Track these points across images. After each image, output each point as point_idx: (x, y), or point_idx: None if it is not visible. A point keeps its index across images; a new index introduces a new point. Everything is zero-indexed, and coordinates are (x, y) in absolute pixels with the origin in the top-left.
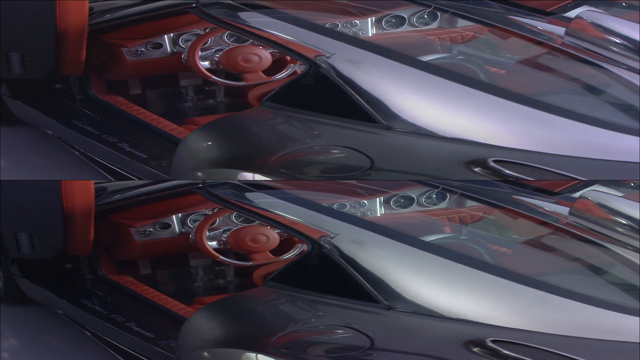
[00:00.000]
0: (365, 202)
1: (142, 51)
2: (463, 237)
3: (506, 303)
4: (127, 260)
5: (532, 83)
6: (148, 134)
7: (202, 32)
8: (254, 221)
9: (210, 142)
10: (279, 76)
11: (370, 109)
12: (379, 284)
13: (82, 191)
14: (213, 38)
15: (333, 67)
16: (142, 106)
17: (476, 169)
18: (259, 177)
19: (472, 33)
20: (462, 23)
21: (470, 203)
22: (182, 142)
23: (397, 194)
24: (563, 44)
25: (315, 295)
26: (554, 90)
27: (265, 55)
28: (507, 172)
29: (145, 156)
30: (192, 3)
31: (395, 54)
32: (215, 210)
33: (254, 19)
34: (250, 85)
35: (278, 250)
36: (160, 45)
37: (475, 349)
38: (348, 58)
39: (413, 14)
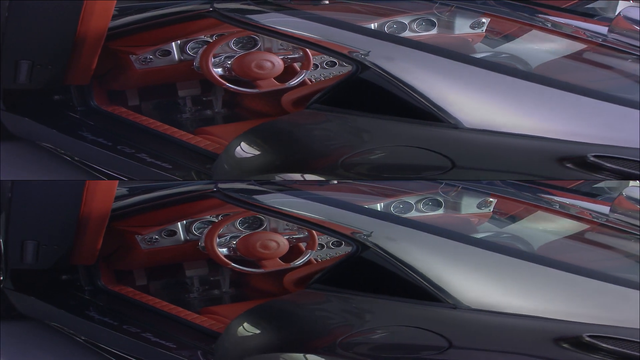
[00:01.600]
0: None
1: (151, 59)
2: (505, 235)
3: (585, 298)
4: (129, 269)
5: (590, 78)
6: (165, 143)
7: (208, 39)
8: (260, 227)
9: (257, 148)
10: (292, 82)
11: (436, 108)
12: (436, 282)
13: (104, 193)
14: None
15: (383, 67)
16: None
17: (569, 165)
18: (314, 178)
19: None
20: (460, 28)
21: (466, 209)
22: (225, 151)
23: (396, 200)
24: (606, 40)
25: (366, 295)
26: (613, 85)
27: (278, 62)
28: (610, 166)
29: (170, 166)
30: (209, 7)
31: (445, 51)
32: (222, 216)
33: (282, 19)
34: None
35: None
36: (168, 53)
37: (566, 345)
38: (397, 57)
39: (413, 20)
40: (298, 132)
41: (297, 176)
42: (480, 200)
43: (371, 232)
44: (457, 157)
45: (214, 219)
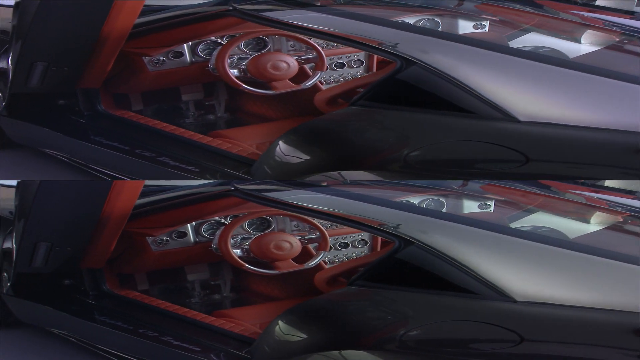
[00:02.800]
0: None
1: (163, 61)
2: (544, 229)
3: None
4: (136, 273)
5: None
6: (185, 147)
7: (220, 40)
8: (268, 228)
9: (302, 149)
10: (308, 83)
11: (492, 103)
12: (488, 277)
13: (128, 193)
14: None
15: (430, 63)
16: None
17: None
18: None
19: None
20: (463, 29)
21: (467, 208)
22: (265, 154)
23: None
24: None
25: (415, 291)
26: None
27: (293, 63)
28: None
29: (197, 169)
30: (229, 6)
31: (490, 44)
32: (232, 218)
33: (307, 16)
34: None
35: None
36: (180, 55)
37: None
38: (441, 52)
39: (417, 21)
40: (348, 130)
41: (353, 174)
42: (479, 202)
43: (398, 225)
44: (530, 151)
45: (224, 220)
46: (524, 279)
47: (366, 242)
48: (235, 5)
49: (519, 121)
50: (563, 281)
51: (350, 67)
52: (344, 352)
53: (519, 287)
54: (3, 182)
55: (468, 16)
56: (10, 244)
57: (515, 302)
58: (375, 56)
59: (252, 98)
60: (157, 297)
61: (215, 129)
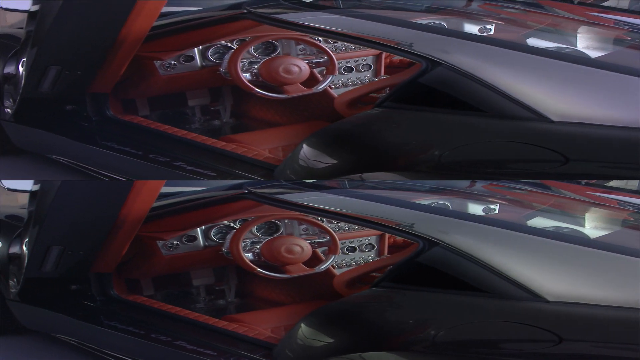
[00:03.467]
0: None
1: (175, 65)
2: (567, 230)
3: None
4: (145, 278)
5: None
6: (200, 151)
7: (229, 44)
8: (276, 232)
9: (328, 152)
10: (319, 87)
11: (528, 103)
12: (516, 277)
13: (147, 194)
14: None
15: (456, 64)
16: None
17: None
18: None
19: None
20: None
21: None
22: (290, 157)
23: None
24: None
25: (442, 292)
26: None
27: (304, 66)
28: None
29: (214, 174)
30: (243, 9)
31: (516, 45)
32: (240, 222)
33: (325, 18)
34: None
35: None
36: (191, 59)
37: None
38: (469, 53)
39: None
40: (376, 132)
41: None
42: (485, 205)
43: (421, 226)
44: (568, 151)
45: (232, 224)
46: (553, 278)
47: (373, 246)
48: (249, 8)
49: (552, 121)
50: (594, 280)
51: (359, 71)
52: (369, 354)
53: (549, 287)
54: (8, 184)
55: (475, 18)
56: (17, 249)
57: (548, 302)
58: (384, 60)
59: (257, 103)
60: (162, 302)
61: (221, 134)
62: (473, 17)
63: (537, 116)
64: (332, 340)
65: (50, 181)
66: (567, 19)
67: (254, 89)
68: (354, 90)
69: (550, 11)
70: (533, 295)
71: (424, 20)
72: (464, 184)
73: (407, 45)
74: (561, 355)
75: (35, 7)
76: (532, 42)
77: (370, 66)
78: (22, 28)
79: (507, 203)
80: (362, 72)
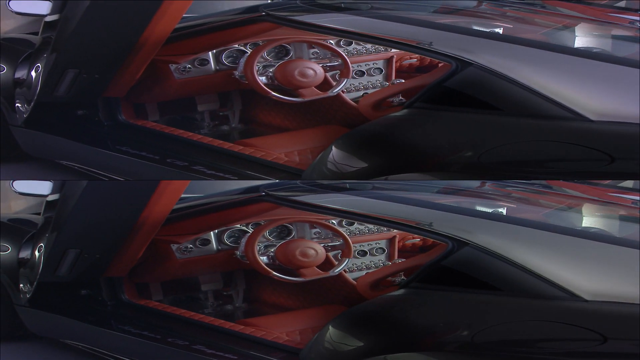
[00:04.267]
0: None
1: (189, 68)
2: (594, 230)
3: None
4: (159, 281)
5: None
6: (217, 155)
7: (243, 47)
8: (288, 236)
9: (360, 154)
10: (335, 90)
11: (564, 102)
12: (555, 277)
13: (171, 194)
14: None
15: (489, 65)
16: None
17: None
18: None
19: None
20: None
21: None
22: (319, 160)
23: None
24: None
25: (475, 292)
26: None
27: (319, 70)
28: None
29: (235, 177)
30: (261, 12)
31: (544, 44)
32: (253, 225)
33: (346, 19)
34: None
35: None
36: (206, 62)
37: None
38: (499, 53)
39: None
40: (408, 133)
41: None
42: (502, 205)
43: (430, 223)
44: (612, 150)
45: (245, 228)
46: (588, 277)
47: (384, 250)
48: (267, 10)
49: (592, 120)
50: (630, 279)
51: (370, 75)
52: (399, 355)
53: (585, 286)
54: (20, 187)
55: (491, 18)
56: (27, 253)
57: (586, 301)
58: (394, 64)
59: (266, 108)
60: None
61: (230, 139)
62: (489, 17)
63: (576, 116)
64: (362, 343)
65: (75, 182)
66: (581, 19)
67: (270, 93)
68: (378, 92)
69: (558, 11)
70: (570, 295)
71: (443, 21)
72: (474, 184)
73: (435, 46)
74: (607, 354)
75: (53, 17)
76: (557, 41)
77: (382, 70)
78: (29, 33)
79: (524, 203)
80: (374, 76)
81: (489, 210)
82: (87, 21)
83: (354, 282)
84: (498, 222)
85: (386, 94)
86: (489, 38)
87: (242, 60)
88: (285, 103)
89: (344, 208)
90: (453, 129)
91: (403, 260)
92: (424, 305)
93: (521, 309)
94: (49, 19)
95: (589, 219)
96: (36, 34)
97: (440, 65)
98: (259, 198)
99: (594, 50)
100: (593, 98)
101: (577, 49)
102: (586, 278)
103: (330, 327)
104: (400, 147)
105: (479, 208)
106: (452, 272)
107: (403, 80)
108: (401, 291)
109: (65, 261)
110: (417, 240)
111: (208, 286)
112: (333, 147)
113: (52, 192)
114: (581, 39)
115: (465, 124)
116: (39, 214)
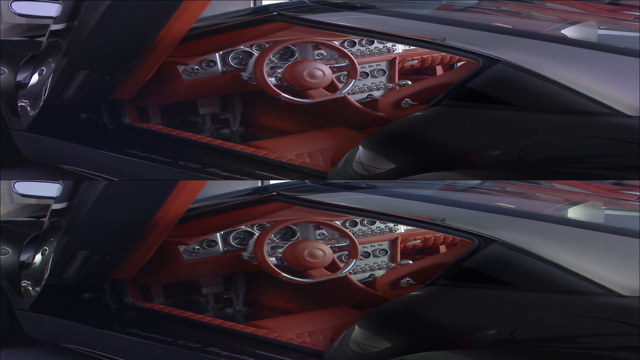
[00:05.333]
0: None
1: (197, 70)
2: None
3: None
4: (164, 283)
5: None
6: (230, 158)
7: (248, 49)
8: (293, 237)
9: (388, 153)
10: (343, 91)
11: (599, 98)
12: (587, 273)
13: (188, 194)
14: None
15: (517, 62)
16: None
17: None
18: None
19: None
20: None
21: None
22: (345, 161)
23: None
24: None
25: (506, 289)
26: None
27: (328, 71)
28: None
29: (252, 179)
30: (273, 12)
31: (570, 40)
32: (257, 226)
33: (363, 17)
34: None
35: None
36: (213, 64)
37: None
38: (526, 50)
39: None
40: (437, 131)
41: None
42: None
43: (444, 219)
44: None
45: (250, 229)
46: (621, 273)
47: (386, 252)
48: (279, 10)
49: (630, 116)
50: None
51: (374, 76)
52: (432, 353)
53: (619, 282)
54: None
55: (501, 14)
56: (28, 256)
57: (623, 297)
58: (397, 65)
59: (266, 111)
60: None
61: (233, 141)
62: (498, 14)
63: (612, 111)
64: (391, 343)
65: (93, 183)
66: (586, 15)
67: (280, 94)
68: (399, 91)
69: (560, 8)
70: (606, 291)
71: (463, 18)
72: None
73: (459, 44)
74: None
75: (59, 26)
76: (576, 36)
77: (385, 71)
78: (27, 36)
79: (528, 198)
80: (377, 77)
81: (506, 206)
82: (105, 22)
83: (359, 284)
84: (519, 218)
85: (407, 92)
86: (512, 35)
87: (251, 62)
88: (288, 105)
89: (360, 206)
90: (487, 126)
91: (423, 258)
92: (454, 303)
93: (559, 306)
94: (55, 27)
95: (607, 214)
96: (33, 37)
97: (462, 63)
98: (270, 198)
99: (619, 45)
100: (627, 93)
101: (601, 44)
102: (619, 273)
103: (356, 327)
104: (430, 145)
105: (492, 204)
106: (481, 269)
107: (408, 82)
108: (427, 289)
109: (74, 263)
110: (417, 241)
111: (209, 289)
112: (360, 148)
113: (61, 195)
114: (598, 34)
115: (499, 121)
116: (37, 217)
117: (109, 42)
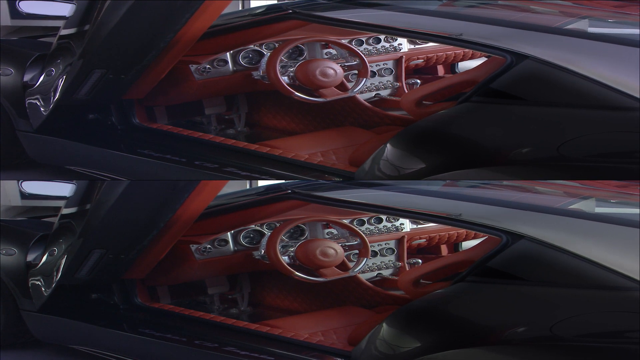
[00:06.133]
0: None
1: (209, 69)
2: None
3: None
4: (174, 283)
5: None
6: (247, 157)
7: (258, 48)
8: (301, 236)
9: (417, 151)
10: (355, 89)
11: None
12: (613, 267)
13: (209, 192)
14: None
15: (546, 58)
16: None
17: None
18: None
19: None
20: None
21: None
22: (372, 160)
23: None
24: None
25: (536, 285)
26: None
27: (339, 69)
28: None
29: (273, 178)
30: (288, 10)
31: (595, 35)
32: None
33: (381, 14)
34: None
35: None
36: (225, 63)
37: None
38: (554, 45)
39: None
40: (468, 128)
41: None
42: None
43: (460, 214)
44: None
45: (259, 228)
46: None
47: (393, 251)
48: (295, 8)
49: None
50: None
51: (381, 75)
52: (466, 350)
53: None
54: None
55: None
56: (34, 257)
57: None
58: (404, 64)
59: (271, 110)
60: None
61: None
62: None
63: None
64: (421, 342)
65: (115, 182)
66: (594, 10)
67: (293, 93)
68: (421, 89)
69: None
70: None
71: (484, 14)
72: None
73: (485, 40)
74: None
75: (70, 31)
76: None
77: (392, 70)
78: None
79: (534, 192)
80: (384, 76)
81: (530, 202)
82: (127, 21)
83: (368, 283)
84: (545, 214)
85: (430, 90)
86: (537, 30)
87: (264, 61)
88: (293, 104)
89: (377, 203)
90: (521, 122)
91: (445, 256)
92: (487, 300)
93: (596, 301)
94: (67, 29)
95: (627, 209)
96: (34, 37)
97: (487, 59)
98: (285, 196)
99: None
100: None
101: (626, 38)
102: None
103: (384, 326)
104: (463, 142)
105: (517, 200)
106: (511, 265)
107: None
108: (457, 286)
109: (88, 263)
110: (422, 240)
111: (215, 289)
112: (388, 147)
113: (75, 195)
114: (618, 29)
115: (534, 117)
116: (38, 217)
117: (129, 40)
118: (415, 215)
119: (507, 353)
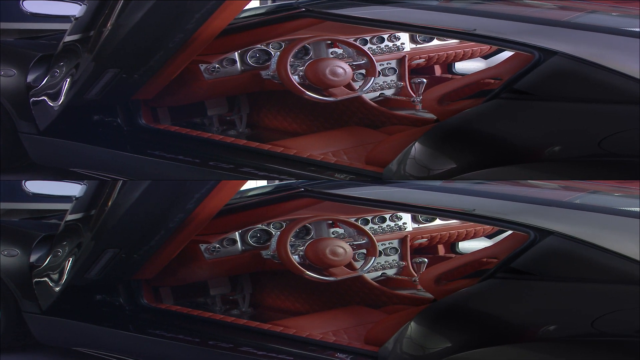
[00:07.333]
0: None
1: (218, 68)
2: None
3: None
4: (182, 284)
5: None
6: (261, 157)
7: (265, 47)
8: (307, 235)
9: (447, 150)
10: (365, 88)
11: None
12: None
13: (227, 191)
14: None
15: (575, 54)
16: None
17: None
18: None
19: None
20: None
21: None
22: (399, 159)
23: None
24: None
25: (568, 281)
26: None
27: (348, 68)
28: None
29: (292, 178)
30: (300, 8)
31: (623, 30)
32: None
33: (397, 11)
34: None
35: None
36: (233, 62)
37: None
38: (582, 41)
39: None
40: (500, 125)
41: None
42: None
43: (473, 210)
44: None
45: (267, 228)
46: None
47: (396, 250)
48: (306, 6)
49: None
50: None
51: (385, 75)
52: (500, 347)
53: None
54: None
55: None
56: (37, 257)
57: None
58: (407, 63)
59: (273, 111)
60: None
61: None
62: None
63: None
64: (452, 340)
65: (134, 182)
66: (595, 5)
67: (304, 92)
68: (442, 86)
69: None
70: None
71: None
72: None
73: (510, 36)
74: None
75: (74, 37)
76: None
77: (395, 70)
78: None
79: (541, 187)
80: (388, 75)
81: (555, 198)
82: (147, 20)
83: (373, 283)
84: (569, 209)
85: (451, 87)
86: (562, 26)
87: (274, 60)
88: (295, 104)
89: (395, 200)
90: (555, 119)
91: (467, 253)
92: (519, 296)
93: (637, 297)
94: (68, 39)
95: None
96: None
97: (512, 55)
98: (298, 194)
99: None
100: None
101: None
102: None
103: (412, 325)
104: (495, 140)
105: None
106: (542, 262)
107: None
108: (486, 283)
109: (100, 262)
110: (424, 240)
111: (217, 290)
112: (416, 146)
113: (86, 195)
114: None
115: (567, 113)
116: (37, 217)
117: (146, 40)
118: (436, 212)
119: (542, 350)
